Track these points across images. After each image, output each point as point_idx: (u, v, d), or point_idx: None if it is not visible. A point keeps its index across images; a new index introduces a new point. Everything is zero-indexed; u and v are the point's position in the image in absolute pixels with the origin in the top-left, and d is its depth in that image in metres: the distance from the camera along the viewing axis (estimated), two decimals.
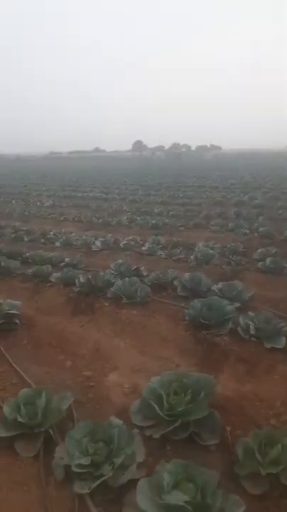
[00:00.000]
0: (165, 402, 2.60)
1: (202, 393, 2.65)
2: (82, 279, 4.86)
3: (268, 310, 4.49)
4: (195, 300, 4.29)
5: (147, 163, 62.99)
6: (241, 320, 3.93)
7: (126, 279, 4.85)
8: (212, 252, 6.51)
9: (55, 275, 5.30)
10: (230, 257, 6.35)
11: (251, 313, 4.01)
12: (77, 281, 4.91)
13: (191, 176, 28.62)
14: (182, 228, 9.68)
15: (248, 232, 8.61)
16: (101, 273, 5.22)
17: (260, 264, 5.93)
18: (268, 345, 3.64)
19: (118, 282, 4.76)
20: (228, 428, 2.66)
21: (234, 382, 3.28)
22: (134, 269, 5.48)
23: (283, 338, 3.69)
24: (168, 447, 2.51)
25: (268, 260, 5.91)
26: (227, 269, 6.00)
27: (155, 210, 12.28)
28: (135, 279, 4.85)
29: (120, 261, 5.70)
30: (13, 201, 15.88)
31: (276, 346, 3.62)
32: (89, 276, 4.89)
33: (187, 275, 5.13)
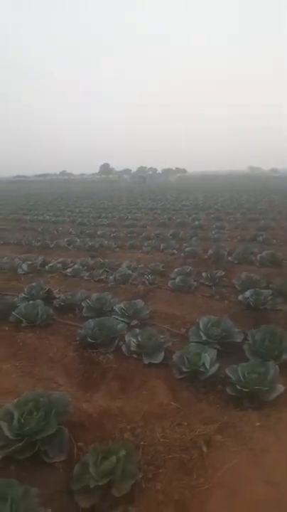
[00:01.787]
0: (15, 422, 2.70)
1: (53, 411, 2.78)
2: None
3: (162, 326, 4.74)
4: (90, 320, 4.45)
5: (111, 186, 63.79)
6: (127, 337, 4.12)
7: (30, 301, 4.96)
8: (129, 272, 6.74)
9: None
10: (145, 276, 6.59)
11: (137, 330, 4.20)
12: None
13: (148, 198, 29.27)
14: (117, 249, 9.93)
15: (176, 252, 8.95)
16: (9, 296, 5.31)
17: (170, 282, 6.19)
18: (146, 361, 3.83)
19: (21, 305, 4.86)
20: (80, 444, 2.79)
21: (106, 400, 3.42)
22: (45, 292, 5.59)
23: (162, 353, 3.90)
24: (12, 467, 2.59)
25: (177, 279, 6.20)
26: (141, 288, 6.22)
27: (99, 232, 12.53)
28: (38, 301, 4.97)
29: (33, 284, 5.80)
30: None
31: (153, 361, 3.82)
32: None
33: (94, 296, 5.30)
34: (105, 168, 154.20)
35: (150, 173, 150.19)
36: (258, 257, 7.66)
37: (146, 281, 6.41)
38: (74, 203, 26.54)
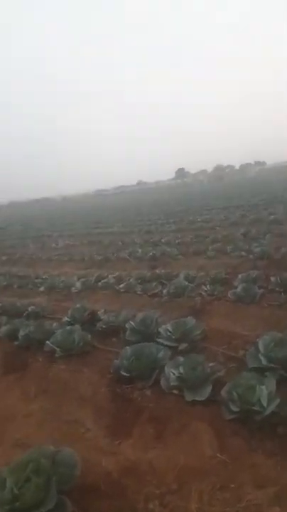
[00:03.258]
0: (6, 493, 2.20)
1: (54, 478, 2.23)
2: (21, 332, 4.62)
3: (216, 349, 3.95)
4: (127, 347, 3.85)
5: (186, 190, 63.04)
6: (167, 368, 3.42)
7: (67, 327, 4.53)
8: (186, 283, 6.00)
9: (3, 328, 5.11)
10: (203, 287, 5.79)
11: (180, 359, 3.48)
12: (19, 334, 4.68)
13: (222, 197, 28.02)
14: (180, 257, 9.21)
15: (244, 254, 7.95)
16: (49, 322, 4.96)
17: (230, 292, 5.32)
18: (188, 398, 3.10)
19: (57, 333, 4.45)
20: None
21: (136, 449, 2.79)
22: (89, 314, 5.14)
23: (209, 388, 3.13)
24: None
25: (239, 287, 5.30)
26: (197, 302, 5.46)
27: (163, 240, 11.96)
28: (76, 327, 4.51)
29: (77, 305, 5.40)
30: (31, 244, 16.36)
31: (198, 398, 3.07)
32: (30, 329, 4.63)
33: (139, 316, 4.69)
34: (180, 173, 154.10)
35: (227, 170, 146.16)
36: None
37: (203, 293, 5.61)
38: (147, 212, 26.38)
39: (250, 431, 2.69)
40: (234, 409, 2.79)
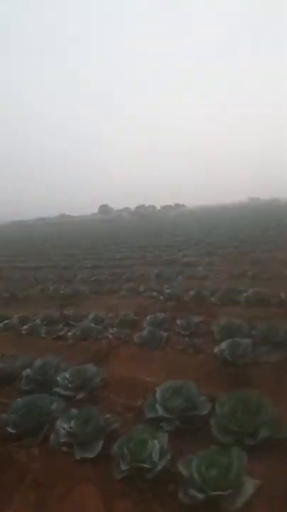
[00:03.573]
0: None
1: None
2: None
3: (117, 398, 3.81)
4: (18, 399, 3.53)
5: (109, 226, 63.67)
6: (58, 422, 3.18)
7: None
8: (92, 325, 5.84)
9: None
10: (110, 329, 5.68)
11: (73, 411, 3.27)
12: None
13: (141, 236, 28.75)
14: (93, 296, 9.06)
15: (155, 294, 8.06)
16: None
17: (136, 336, 5.28)
18: (78, 456, 2.88)
19: None
20: None
21: None
22: None
23: (100, 443, 2.94)
24: None
25: (145, 330, 5.29)
26: (103, 345, 5.31)
27: (79, 277, 11.74)
28: None
29: None
30: None
31: (88, 456, 2.87)
32: None
33: (37, 362, 4.38)
34: (104, 209, 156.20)
35: (149, 210, 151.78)
36: (243, 295, 6.75)
37: (110, 336, 5.49)
38: (67, 245, 25.93)
39: (140, 491, 2.55)
40: (124, 467, 2.64)
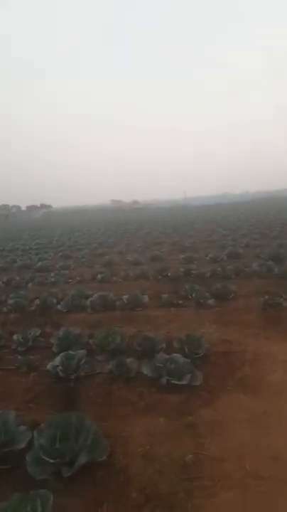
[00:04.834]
0: None
1: None
2: None
3: None
4: None
5: None
6: None
7: None
8: None
9: None
10: None
11: None
12: None
13: (0, 239, 26.76)
14: None
15: None
16: None
17: None
18: None
19: None
20: None
21: None
22: None
23: None
24: None
25: None
26: None
27: None
28: None
29: None
30: None
31: None
32: None
33: None
34: None
35: (13, 210, 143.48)
36: (88, 301, 6.64)
37: None
38: None
39: None
40: None
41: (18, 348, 5.08)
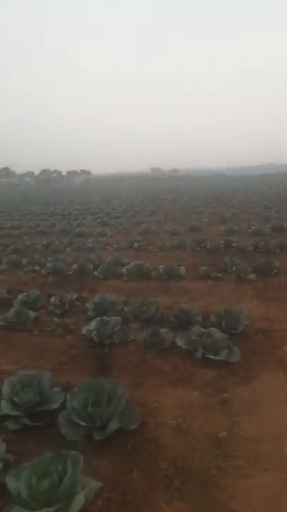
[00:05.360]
0: None
1: None
2: None
3: None
4: None
5: (7, 191, 59.51)
6: None
7: None
8: None
9: None
10: None
11: None
12: None
13: (41, 203, 27.28)
14: None
15: (38, 268, 7.52)
16: None
17: (0, 317, 4.76)
18: None
19: None
20: None
21: None
22: None
23: None
24: None
25: (12, 311, 4.81)
26: None
27: None
28: None
29: None
30: None
31: None
32: None
33: None
34: (5, 172, 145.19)
35: (54, 175, 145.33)
36: (124, 269, 6.60)
37: None
38: None
39: None
40: None
41: (55, 311, 5.14)
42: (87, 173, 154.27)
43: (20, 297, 5.45)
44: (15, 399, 2.96)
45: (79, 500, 2.07)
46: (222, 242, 8.58)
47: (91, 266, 7.08)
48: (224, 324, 4.16)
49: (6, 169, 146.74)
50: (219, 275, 6.35)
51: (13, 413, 2.89)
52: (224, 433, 2.63)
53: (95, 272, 6.84)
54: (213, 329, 3.93)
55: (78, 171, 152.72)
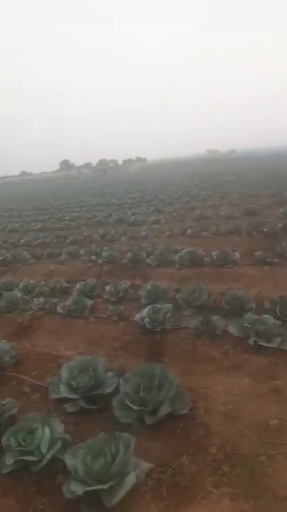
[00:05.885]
0: None
1: None
2: None
3: (26, 377, 3.61)
4: None
5: (67, 183, 61.72)
6: None
7: None
8: (19, 295, 5.53)
9: None
10: (36, 299, 5.41)
11: None
12: None
13: (98, 193, 27.98)
14: (33, 261, 8.67)
15: (94, 258, 7.80)
16: None
17: (59, 306, 5.04)
18: None
19: None
20: None
21: None
22: None
23: None
24: None
25: (70, 299, 5.07)
26: (26, 317, 5.05)
27: (22, 240, 11.26)
28: None
29: None
30: None
31: None
32: None
33: None
34: (65, 165, 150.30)
35: (111, 165, 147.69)
36: (176, 256, 6.62)
37: (34, 307, 5.23)
38: (19, 207, 24.83)
39: (25, 486, 2.40)
40: (8, 461, 2.47)
41: (110, 298, 5.34)
42: (143, 160, 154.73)
43: (78, 286, 5.73)
44: (73, 383, 3.15)
45: (131, 479, 2.19)
46: (280, 225, 8.24)
47: (144, 254, 7.20)
48: (278, 311, 4.06)
49: (65, 162, 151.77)
50: (276, 260, 6.14)
51: (71, 396, 3.09)
52: (275, 420, 2.60)
53: (148, 260, 6.95)
54: (266, 316, 3.85)
55: (134, 158, 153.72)
